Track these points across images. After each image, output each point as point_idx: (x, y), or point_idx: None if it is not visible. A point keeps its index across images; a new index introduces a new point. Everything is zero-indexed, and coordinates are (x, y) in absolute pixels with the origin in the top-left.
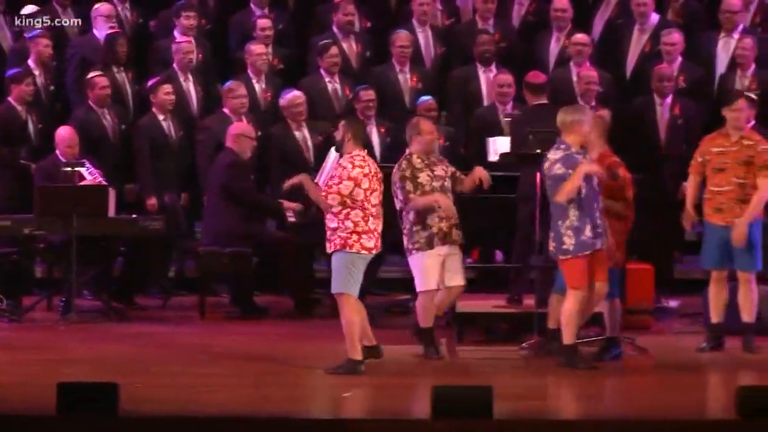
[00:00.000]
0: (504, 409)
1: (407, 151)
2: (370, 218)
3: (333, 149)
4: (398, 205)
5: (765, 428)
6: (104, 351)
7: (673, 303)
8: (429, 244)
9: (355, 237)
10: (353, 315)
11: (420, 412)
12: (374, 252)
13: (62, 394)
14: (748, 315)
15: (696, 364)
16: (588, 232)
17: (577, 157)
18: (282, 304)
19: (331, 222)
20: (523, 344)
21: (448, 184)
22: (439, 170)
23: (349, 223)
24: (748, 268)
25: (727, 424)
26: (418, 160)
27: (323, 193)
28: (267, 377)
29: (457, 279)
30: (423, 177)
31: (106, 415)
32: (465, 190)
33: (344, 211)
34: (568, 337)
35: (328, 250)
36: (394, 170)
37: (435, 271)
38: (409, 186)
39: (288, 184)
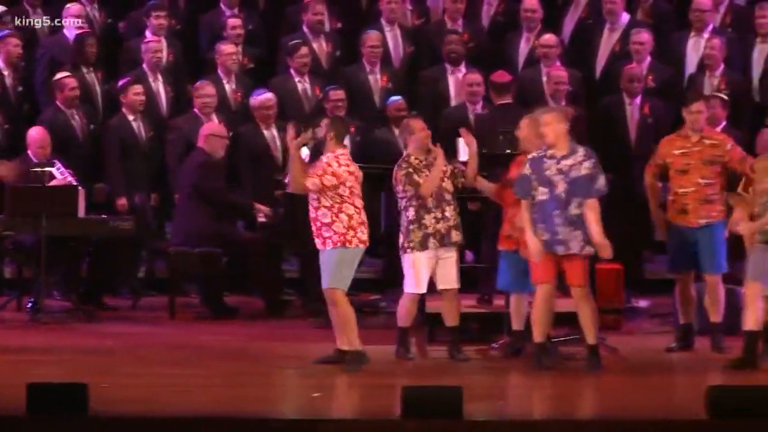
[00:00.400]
0: (474, 410)
1: (404, 152)
2: (361, 211)
3: (304, 148)
4: (402, 204)
5: (734, 428)
6: (74, 351)
7: (643, 303)
8: (423, 245)
9: (351, 233)
10: (347, 308)
11: (390, 412)
12: (366, 246)
13: (32, 394)
14: (715, 316)
15: (666, 364)
16: (542, 236)
17: (545, 162)
18: (252, 305)
19: (324, 217)
20: (494, 344)
21: (447, 184)
22: None
23: (343, 216)
24: (713, 270)
25: (697, 424)
26: (416, 161)
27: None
28: (237, 377)
29: (449, 283)
30: (422, 177)
31: (76, 415)
32: (470, 179)
33: (336, 205)
34: (536, 336)
35: (322, 247)
36: (395, 171)
37: (424, 273)
38: (416, 177)
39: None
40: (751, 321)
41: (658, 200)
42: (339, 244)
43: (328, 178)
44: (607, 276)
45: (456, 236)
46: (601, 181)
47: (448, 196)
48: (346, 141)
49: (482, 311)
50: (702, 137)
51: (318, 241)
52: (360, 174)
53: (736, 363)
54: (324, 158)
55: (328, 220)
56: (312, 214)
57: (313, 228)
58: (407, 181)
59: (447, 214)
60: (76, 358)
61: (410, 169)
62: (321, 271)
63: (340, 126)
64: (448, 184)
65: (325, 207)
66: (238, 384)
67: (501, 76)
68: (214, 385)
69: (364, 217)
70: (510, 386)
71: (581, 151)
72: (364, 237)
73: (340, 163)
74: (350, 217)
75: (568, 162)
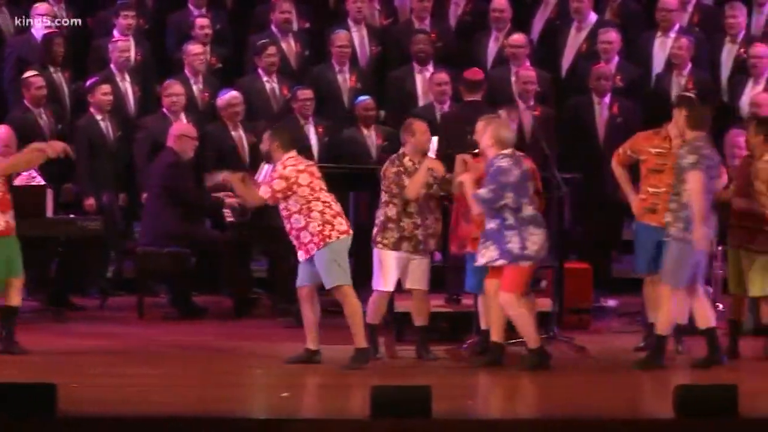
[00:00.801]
0: (442, 409)
1: (401, 150)
2: (332, 203)
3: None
4: (385, 198)
5: (702, 427)
6: (42, 352)
7: (611, 302)
8: (396, 246)
9: (329, 227)
10: (357, 303)
11: (359, 412)
12: (350, 234)
13: (0, 395)
14: (680, 317)
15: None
16: None
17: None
18: (221, 304)
19: (297, 223)
20: (463, 344)
21: (436, 191)
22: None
23: (315, 214)
24: None
25: (665, 422)
26: (410, 163)
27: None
28: (207, 377)
29: (417, 283)
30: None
31: (44, 416)
32: (452, 190)
33: (304, 207)
34: (492, 334)
35: (308, 255)
36: (386, 166)
37: (393, 273)
38: (405, 178)
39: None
40: (705, 320)
41: (629, 183)
42: (321, 243)
43: (277, 182)
44: (575, 275)
45: (433, 245)
46: (482, 191)
47: (433, 204)
48: (314, 141)
49: (451, 311)
50: (683, 141)
51: (301, 253)
52: (316, 169)
53: (702, 362)
54: (274, 166)
55: (302, 223)
56: (287, 226)
57: (293, 240)
58: (395, 180)
59: (428, 221)
60: (44, 358)
61: (401, 169)
62: (321, 275)
63: (283, 134)
64: (436, 191)
65: (295, 212)
66: (207, 384)
67: (474, 74)
68: (182, 385)
69: (337, 208)
70: (479, 385)
71: (493, 166)
72: (344, 227)
73: (285, 166)
74: (321, 213)
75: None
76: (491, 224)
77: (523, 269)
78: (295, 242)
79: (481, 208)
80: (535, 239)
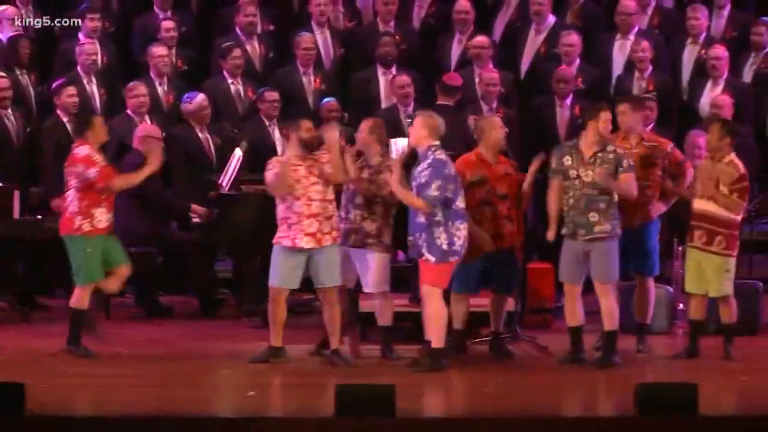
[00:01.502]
0: (406, 408)
1: None
2: None
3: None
4: None
5: (663, 425)
6: (10, 352)
7: None
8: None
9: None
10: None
11: (324, 411)
12: None
13: None
14: (644, 317)
15: (595, 361)
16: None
17: None
18: (187, 305)
19: (329, 210)
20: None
21: (369, 188)
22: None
23: (332, 208)
24: (646, 272)
25: (627, 420)
26: (359, 159)
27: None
28: (172, 377)
29: (371, 286)
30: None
31: (12, 415)
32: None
33: (332, 197)
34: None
35: (317, 246)
36: None
37: (339, 265)
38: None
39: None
40: (576, 318)
41: None
42: (338, 239)
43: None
44: (537, 275)
45: (354, 240)
46: (429, 190)
47: (358, 200)
48: (278, 142)
49: (415, 310)
50: (642, 139)
51: (309, 239)
52: None
53: (567, 358)
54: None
55: (330, 213)
56: (315, 209)
57: (311, 226)
58: None
59: (351, 215)
60: (11, 358)
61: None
62: (323, 269)
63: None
64: (367, 191)
65: (327, 200)
66: (173, 384)
67: (452, 79)
68: (148, 385)
69: None
70: (443, 385)
71: (429, 159)
72: None
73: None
74: (334, 209)
75: (418, 168)
76: (420, 218)
77: (450, 265)
78: (312, 227)
79: (433, 208)
80: (460, 234)
